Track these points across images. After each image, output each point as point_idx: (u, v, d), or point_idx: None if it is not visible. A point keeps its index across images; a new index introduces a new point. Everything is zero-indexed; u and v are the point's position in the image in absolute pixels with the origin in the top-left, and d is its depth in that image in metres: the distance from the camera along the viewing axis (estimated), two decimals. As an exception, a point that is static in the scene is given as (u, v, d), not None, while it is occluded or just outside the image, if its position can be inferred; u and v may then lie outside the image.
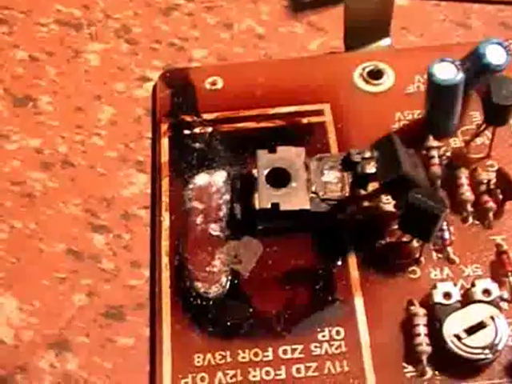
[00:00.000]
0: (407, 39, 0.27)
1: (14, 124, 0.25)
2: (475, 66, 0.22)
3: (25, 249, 0.23)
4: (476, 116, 0.24)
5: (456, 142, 0.23)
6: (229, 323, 0.21)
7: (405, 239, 0.22)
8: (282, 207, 0.22)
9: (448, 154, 0.23)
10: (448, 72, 0.22)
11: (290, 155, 0.22)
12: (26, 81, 0.26)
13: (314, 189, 0.22)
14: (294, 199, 0.22)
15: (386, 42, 0.26)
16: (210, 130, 0.24)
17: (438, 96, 0.22)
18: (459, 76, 0.22)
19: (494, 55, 0.22)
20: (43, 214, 0.24)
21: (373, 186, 0.22)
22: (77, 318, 0.22)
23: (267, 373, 0.20)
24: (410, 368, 0.20)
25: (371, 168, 0.22)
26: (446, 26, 0.28)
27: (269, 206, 0.22)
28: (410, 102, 0.24)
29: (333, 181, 0.22)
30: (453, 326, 0.20)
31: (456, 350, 0.20)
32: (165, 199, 0.23)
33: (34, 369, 0.21)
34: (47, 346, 0.21)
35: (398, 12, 0.27)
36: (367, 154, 0.22)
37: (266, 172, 0.22)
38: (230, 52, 0.27)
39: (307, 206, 0.22)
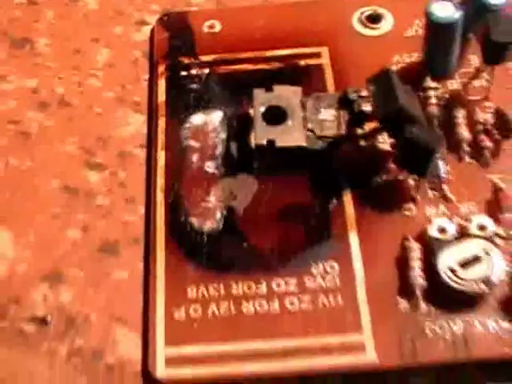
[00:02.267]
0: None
1: (11, 65, 0.25)
2: (472, 8, 0.22)
3: (20, 185, 0.23)
4: (474, 60, 0.23)
5: (454, 84, 0.23)
6: (223, 257, 0.21)
7: (400, 177, 0.22)
8: (278, 144, 0.21)
9: (446, 95, 0.23)
10: (446, 10, 0.22)
11: (286, 94, 0.22)
12: (23, 24, 0.26)
13: (310, 126, 0.22)
14: (290, 136, 0.22)
15: (385, -13, 0.26)
16: (206, 71, 0.24)
17: (437, 35, 0.22)
18: (457, 14, 0.22)
19: (492, -5, 0.22)
20: (39, 151, 0.24)
21: (369, 125, 0.22)
22: (71, 252, 0.22)
23: (260, 305, 0.20)
24: (404, 302, 0.20)
25: (367, 106, 0.22)
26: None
27: (264, 142, 0.21)
28: (409, 45, 0.24)
29: (329, 119, 0.22)
30: (447, 260, 0.20)
31: (450, 282, 0.20)
32: (161, 138, 0.23)
33: (27, 300, 0.21)
34: (41, 278, 0.21)
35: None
36: (364, 93, 0.22)
37: (262, 110, 0.22)
38: (229, -2, 0.27)
39: (303, 143, 0.22)
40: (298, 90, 0.22)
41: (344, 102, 0.22)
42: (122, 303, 0.21)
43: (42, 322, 0.21)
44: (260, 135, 0.22)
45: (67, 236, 0.22)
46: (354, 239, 0.21)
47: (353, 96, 0.22)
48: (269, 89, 0.22)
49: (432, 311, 0.20)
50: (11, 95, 0.25)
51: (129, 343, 0.20)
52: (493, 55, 0.22)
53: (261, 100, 0.22)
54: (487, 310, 0.20)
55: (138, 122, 0.24)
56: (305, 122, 0.22)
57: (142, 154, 0.23)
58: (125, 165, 0.23)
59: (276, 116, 0.22)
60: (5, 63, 0.25)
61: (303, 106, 0.22)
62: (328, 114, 0.22)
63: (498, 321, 0.19)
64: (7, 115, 0.24)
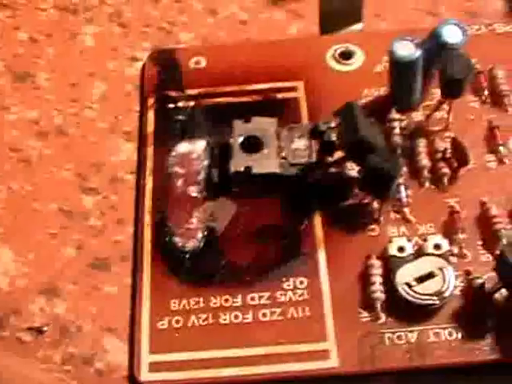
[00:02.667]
0: (379, 25, 0.30)
1: (14, 97, 0.28)
2: (434, 46, 0.24)
3: (21, 208, 0.25)
4: (437, 93, 0.25)
5: (418, 115, 0.25)
6: (203, 273, 0.23)
7: (365, 200, 0.24)
8: (254, 170, 0.24)
9: (410, 126, 0.25)
10: (407, 49, 0.24)
11: (263, 125, 0.25)
12: (26, 59, 0.29)
13: (283, 154, 0.24)
14: (265, 163, 0.24)
15: (358, 27, 0.28)
16: (192, 103, 0.26)
17: (399, 72, 0.24)
18: (417, 53, 0.24)
19: (451, 34, 0.24)
20: (38, 177, 0.26)
21: (338, 154, 0.24)
22: (66, 268, 0.24)
23: (236, 316, 0.22)
24: (366, 313, 0.22)
25: (336, 136, 0.24)
26: (416, 14, 0.30)
27: (242, 169, 0.24)
28: (378, 80, 0.26)
29: (301, 148, 0.24)
30: (405, 276, 0.22)
31: (406, 296, 0.22)
32: (149, 164, 0.25)
33: (25, 312, 0.23)
34: (39, 292, 0.23)
35: (372, 0, 0.30)
36: (333, 124, 0.24)
37: (240, 139, 0.24)
38: (214, 36, 0.29)
39: (277, 170, 0.24)
40: (273, 121, 0.25)
41: (315, 133, 0.24)
42: (112, 315, 0.23)
43: (39, 331, 0.23)
44: (238, 163, 0.24)
45: (63, 254, 0.24)
46: (322, 256, 0.23)
47: (323, 127, 0.24)
48: (247, 120, 0.25)
49: (390, 322, 0.22)
50: (14, 125, 0.27)
51: (117, 351, 0.23)
52: (449, 90, 0.24)
53: (239, 130, 0.24)
54: (441, 322, 0.22)
55: (129, 150, 0.26)
56: (279, 151, 0.24)
57: (132, 179, 0.26)
58: (116, 189, 0.26)
59: (253, 145, 0.24)
60: (8, 95, 0.28)
61: (278, 136, 0.24)
62: (300, 144, 0.24)
63: (450, 331, 0.21)
64: (10, 143, 0.27)
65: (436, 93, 0.26)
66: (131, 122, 0.27)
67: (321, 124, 0.24)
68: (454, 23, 0.24)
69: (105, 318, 0.23)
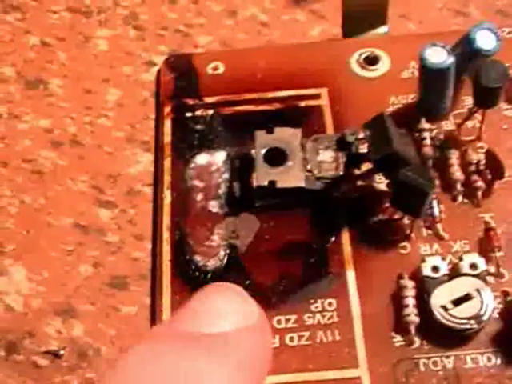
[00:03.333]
0: (406, 27, 0.28)
1: (25, 105, 0.27)
2: (466, 51, 0.23)
3: (34, 222, 0.24)
4: (468, 100, 0.24)
5: (448, 124, 0.24)
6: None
7: (396, 216, 0.23)
8: (279, 185, 0.22)
9: (440, 136, 0.24)
10: (439, 56, 0.23)
11: (286, 136, 0.23)
12: (37, 65, 0.27)
13: (309, 167, 0.23)
14: (290, 177, 0.23)
15: (383, 29, 0.27)
16: (210, 112, 0.25)
17: (430, 79, 0.23)
18: (450, 60, 0.23)
19: (484, 40, 0.23)
20: (52, 189, 0.25)
21: (366, 165, 0.23)
22: (83, 288, 0.23)
23: (262, 340, 0.21)
24: (399, 337, 0.21)
25: (364, 148, 0.23)
26: (444, 14, 0.29)
27: (266, 183, 0.23)
28: (405, 86, 0.25)
29: (328, 160, 0.23)
30: (440, 298, 0.21)
31: (442, 320, 0.21)
32: (167, 177, 0.24)
33: (41, 334, 0.22)
34: (54, 312, 0.22)
35: (398, 0, 0.28)
36: (361, 135, 0.23)
37: (263, 151, 0.23)
38: (233, 38, 0.28)
39: (302, 184, 0.23)
40: (297, 131, 0.23)
41: (342, 144, 0.23)
42: (131, 337, 0.22)
43: (55, 355, 0.22)
44: (261, 176, 0.23)
45: (79, 272, 0.23)
46: (351, 276, 0.22)
47: (350, 138, 0.23)
48: (270, 131, 0.23)
49: (425, 347, 0.21)
50: (26, 135, 0.26)
51: (137, 375, 0.22)
52: (483, 99, 0.23)
53: (262, 142, 0.23)
54: (478, 347, 0.21)
55: (146, 161, 0.25)
56: (304, 163, 0.23)
57: (150, 191, 0.25)
58: (133, 202, 0.24)
59: (277, 157, 0.23)
60: (20, 103, 0.27)
61: (303, 148, 0.23)
62: (326, 156, 0.23)
63: (488, 357, 0.20)
64: (22, 154, 0.25)
65: (467, 100, 0.25)
66: (148, 131, 0.26)
67: (348, 135, 0.23)
68: (487, 28, 0.23)
69: (124, 340, 0.22)
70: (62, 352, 0.22)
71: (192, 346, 0.14)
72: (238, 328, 0.15)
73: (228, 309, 0.16)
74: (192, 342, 0.14)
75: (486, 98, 0.23)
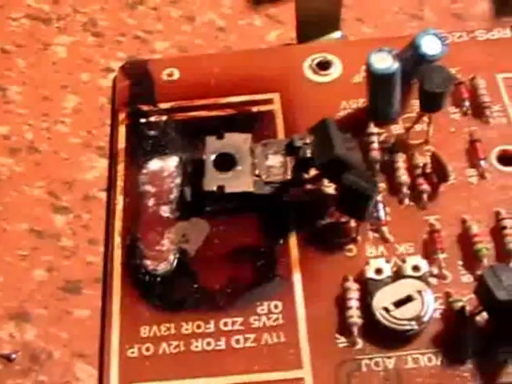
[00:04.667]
0: (361, 30, 0.29)
1: (-16, 112, 0.27)
2: (413, 57, 0.24)
3: (-10, 228, 0.25)
4: (417, 104, 0.24)
5: (397, 128, 0.25)
6: (175, 297, 0.22)
7: (343, 220, 0.23)
8: (227, 190, 0.23)
9: (389, 140, 0.24)
10: (385, 62, 0.23)
11: (236, 141, 0.24)
12: (-4, 72, 0.28)
13: (257, 172, 0.23)
14: (239, 182, 0.23)
15: (337, 34, 0.27)
16: (164, 118, 0.25)
17: (377, 84, 0.23)
18: (395, 65, 0.23)
19: (430, 46, 0.23)
20: (8, 195, 0.25)
21: (315, 170, 0.23)
22: (36, 292, 0.23)
23: (208, 343, 0.21)
24: (343, 339, 0.21)
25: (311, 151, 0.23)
26: (399, 18, 0.29)
27: (214, 188, 0.23)
28: (356, 91, 0.25)
29: (276, 165, 0.23)
30: (382, 300, 0.21)
31: (384, 321, 0.21)
32: (120, 183, 0.24)
33: (-6, 340, 0.23)
34: (8, 317, 0.23)
35: (354, 3, 0.29)
36: (309, 140, 0.23)
37: (213, 157, 0.23)
38: (191, 44, 0.28)
39: (251, 189, 0.23)
40: (248, 137, 0.24)
41: (290, 149, 0.23)
42: (84, 340, 0.22)
43: (8, 359, 0.22)
44: (210, 182, 0.23)
45: (33, 276, 0.24)
46: (297, 279, 0.22)
47: (298, 143, 0.23)
48: (220, 136, 0.24)
49: (368, 348, 0.21)
50: (-17, 141, 0.26)
51: (89, 378, 0.22)
52: (427, 104, 0.23)
53: (212, 147, 0.24)
54: (419, 347, 0.21)
55: (102, 166, 0.26)
56: (253, 168, 0.23)
57: (105, 197, 0.25)
58: (89, 207, 0.25)
59: (226, 162, 0.23)
60: (-22, 111, 0.27)
61: (252, 153, 0.24)
62: (275, 160, 0.24)
63: (429, 357, 0.21)
64: (-21, 161, 0.26)
65: (416, 104, 0.25)
66: (105, 137, 0.26)
67: (296, 140, 0.23)
68: (433, 33, 0.23)
69: (76, 344, 0.22)
70: (14, 356, 0.22)
71: None
72: None
73: None
74: None
75: (430, 103, 0.23)
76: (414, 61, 0.24)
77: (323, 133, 0.22)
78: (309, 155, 0.23)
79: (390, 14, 0.29)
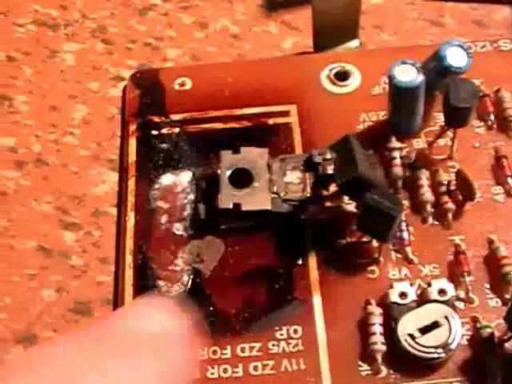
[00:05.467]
0: (380, 38, 0.28)
1: (-11, 123, 0.26)
2: (437, 68, 0.23)
3: (-4, 245, 0.24)
4: (440, 117, 0.24)
5: (419, 142, 0.24)
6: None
7: (365, 239, 0.22)
8: (244, 207, 0.22)
9: (411, 154, 0.23)
10: (409, 74, 0.22)
11: (253, 156, 0.23)
12: (2, 80, 0.27)
13: (275, 189, 0.22)
14: (256, 199, 0.22)
15: (354, 43, 0.26)
16: (177, 130, 0.25)
17: (399, 98, 0.22)
18: (419, 78, 0.22)
19: (455, 57, 0.22)
20: (15, 211, 0.24)
21: (334, 186, 0.23)
22: (45, 314, 0.22)
23: (225, 370, 0.20)
24: (366, 366, 0.20)
25: (332, 169, 0.22)
26: (419, 25, 0.28)
27: (230, 206, 0.22)
28: (376, 103, 0.24)
29: (294, 181, 0.23)
30: (407, 326, 0.20)
31: (409, 348, 0.20)
32: (130, 199, 0.23)
33: (1, 363, 0.22)
34: (15, 340, 0.22)
35: (372, 10, 0.28)
36: (329, 155, 0.22)
37: (228, 172, 0.23)
38: (204, 51, 0.27)
39: (268, 207, 0.22)
40: (264, 151, 0.23)
41: (309, 165, 0.22)
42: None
43: (15, 384, 0.21)
44: (226, 199, 0.22)
45: (42, 297, 0.23)
46: (317, 302, 0.21)
47: (317, 159, 0.22)
48: (236, 150, 0.23)
49: (392, 376, 0.20)
50: (-11, 154, 0.25)
51: (99, 404, 0.21)
52: (453, 119, 0.22)
53: (227, 162, 0.23)
54: (446, 375, 0.20)
55: (112, 181, 0.25)
56: (270, 185, 0.22)
57: (116, 212, 0.24)
58: (99, 224, 0.24)
59: (242, 178, 0.22)
60: (-16, 121, 0.26)
61: (269, 168, 0.23)
62: (294, 177, 0.23)
63: (456, 385, 0.20)
64: (-15, 174, 0.25)
65: (438, 117, 0.24)
66: (115, 149, 0.25)
67: (315, 155, 0.22)
68: (458, 44, 0.22)
69: (85, 369, 0.22)
70: (22, 381, 0.21)
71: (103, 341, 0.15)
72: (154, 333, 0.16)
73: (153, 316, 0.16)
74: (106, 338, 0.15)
75: (456, 118, 0.22)
76: (437, 72, 0.23)
77: (345, 150, 0.21)
78: (329, 172, 0.22)
79: (409, 20, 0.28)
